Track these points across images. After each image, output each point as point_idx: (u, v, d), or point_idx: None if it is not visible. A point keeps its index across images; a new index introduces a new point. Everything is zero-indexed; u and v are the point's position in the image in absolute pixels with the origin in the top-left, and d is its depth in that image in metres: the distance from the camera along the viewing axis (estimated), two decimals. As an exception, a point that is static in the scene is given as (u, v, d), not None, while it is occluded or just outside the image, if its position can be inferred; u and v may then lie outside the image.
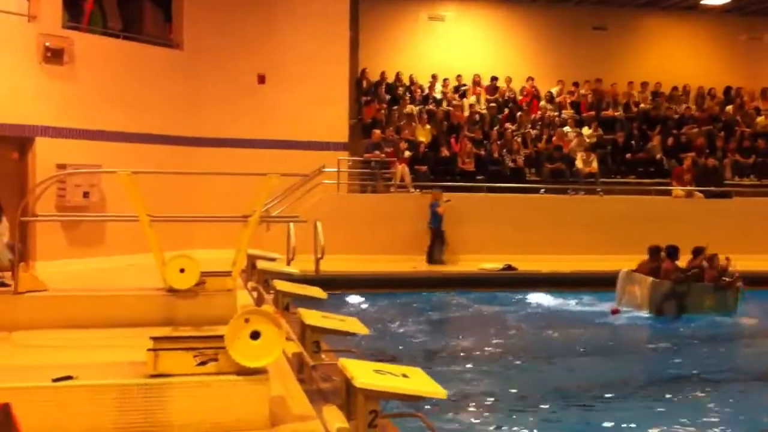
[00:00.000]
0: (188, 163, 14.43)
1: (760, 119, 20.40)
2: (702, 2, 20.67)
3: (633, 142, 18.76)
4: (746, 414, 7.16)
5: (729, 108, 20.76)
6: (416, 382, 4.70)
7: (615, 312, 11.32)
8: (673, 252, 11.88)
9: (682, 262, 12.08)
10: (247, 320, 4.96)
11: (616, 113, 19.80)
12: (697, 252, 11.95)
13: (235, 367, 4.88)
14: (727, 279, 11.70)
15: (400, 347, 9.06)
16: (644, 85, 20.82)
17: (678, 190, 17.04)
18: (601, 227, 15.56)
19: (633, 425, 6.82)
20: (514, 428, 6.70)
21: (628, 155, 18.35)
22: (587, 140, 18.14)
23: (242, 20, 15.89)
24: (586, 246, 15.18)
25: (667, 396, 7.85)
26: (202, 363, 5.00)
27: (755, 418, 7.08)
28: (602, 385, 8.06)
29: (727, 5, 20.68)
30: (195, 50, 15.54)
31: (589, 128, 18.72)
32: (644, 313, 11.54)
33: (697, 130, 19.30)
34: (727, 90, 21.38)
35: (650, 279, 11.69)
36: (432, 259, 14.62)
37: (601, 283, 13.04)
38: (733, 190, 17.38)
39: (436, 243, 14.71)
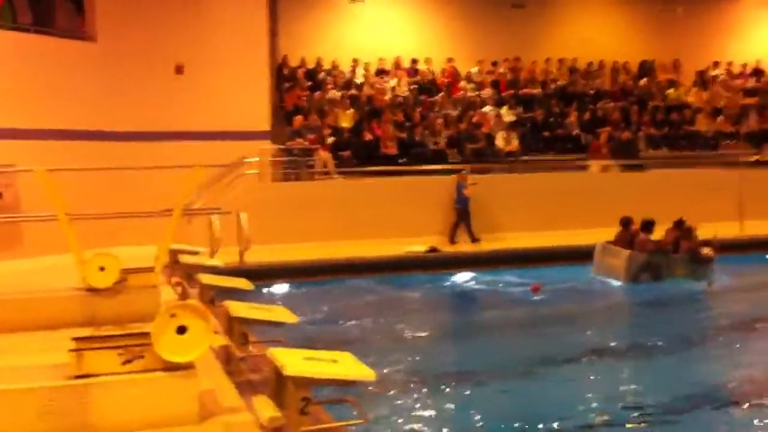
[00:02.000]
0: (108, 158, 14.12)
1: (671, 92, 21.04)
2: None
3: (551, 118, 19.13)
4: (672, 382, 7.40)
5: (643, 81, 21.34)
6: (345, 366, 4.76)
7: (535, 289, 11.57)
8: (647, 225, 12.67)
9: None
10: (172, 315, 4.91)
11: (534, 91, 20.15)
12: (678, 224, 12.71)
13: (162, 363, 4.83)
14: (706, 250, 12.37)
15: (330, 334, 9.10)
16: (561, 61, 21.23)
17: (595, 164, 17.49)
18: (523, 204, 15.83)
19: (563, 399, 6.97)
20: (445, 408, 6.81)
21: (547, 132, 18.71)
22: (507, 119, 18.41)
23: (157, 9, 15.61)
24: (509, 224, 15.43)
25: (603, 365, 8.09)
26: (128, 361, 4.94)
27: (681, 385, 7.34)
28: (529, 359, 8.23)
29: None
30: (109, 42, 15.21)
31: (509, 107, 18.99)
32: (621, 283, 12.21)
33: (612, 104, 19.79)
34: (642, 64, 21.97)
35: (627, 251, 12.41)
36: (453, 240, 14.85)
37: (525, 260, 13.39)
38: (648, 162, 17.90)
39: (462, 224, 14.96)
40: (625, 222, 12.90)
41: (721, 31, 23.60)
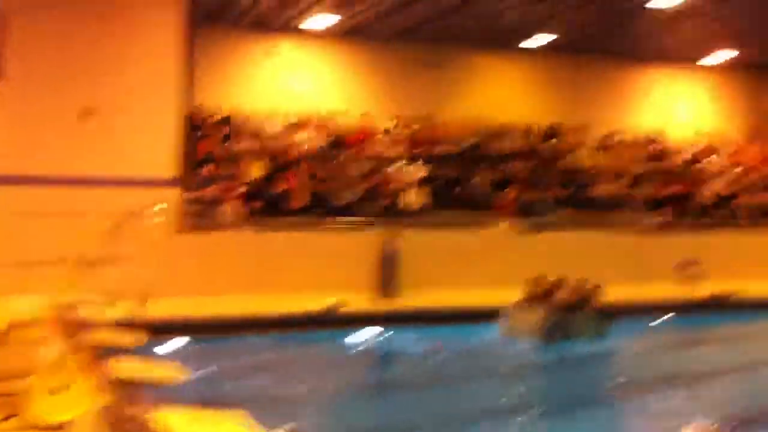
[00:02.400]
0: (10, 203, 13.66)
1: (576, 155, 21.72)
2: (521, 45, 21.84)
3: (462, 177, 19.46)
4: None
5: (550, 143, 21.97)
6: (233, 428, 4.67)
7: (436, 348, 11.54)
8: (558, 285, 13.06)
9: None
10: (52, 371, 4.77)
11: (446, 149, 20.49)
12: (580, 285, 13.10)
13: (39, 421, 4.66)
14: (604, 309, 12.95)
15: (226, 393, 8.90)
16: (473, 121, 21.68)
17: (503, 223, 17.84)
18: (434, 261, 15.99)
19: None
20: None
21: (457, 190, 19.02)
22: (418, 176, 18.64)
23: (68, 50, 15.29)
24: (419, 281, 15.51)
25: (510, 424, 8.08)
26: (4, 419, 4.76)
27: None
28: (427, 419, 8.18)
29: (550, 44, 21.89)
30: (17, 80, 14.81)
31: (421, 164, 19.23)
32: (534, 341, 12.36)
33: (521, 165, 20.27)
34: (550, 126, 22.64)
35: (541, 311, 12.65)
36: (387, 293, 15.06)
37: (430, 319, 13.48)
38: (552, 223, 18.35)
39: (390, 278, 15.17)
40: (536, 282, 13.16)
41: (626, 97, 24.64)
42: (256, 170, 17.59)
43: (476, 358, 11.54)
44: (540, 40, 21.55)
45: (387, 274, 15.24)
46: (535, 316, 12.64)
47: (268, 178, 17.41)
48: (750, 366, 11.58)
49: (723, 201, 21.09)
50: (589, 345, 12.27)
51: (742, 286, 16.19)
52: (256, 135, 18.87)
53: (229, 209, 15.89)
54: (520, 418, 8.47)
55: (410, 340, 12.43)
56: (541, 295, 13.05)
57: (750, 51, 23.70)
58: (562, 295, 12.96)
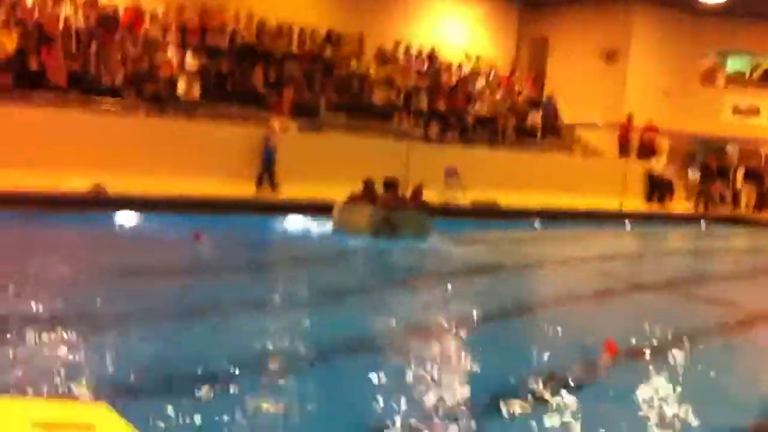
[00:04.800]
0: None
1: (354, 63, 21.75)
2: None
3: (236, 72, 18.76)
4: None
5: (328, 50, 21.78)
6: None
7: (198, 236, 11.12)
8: (390, 185, 13.37)
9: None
10: None
11: (220, 43, 19.65)
12: (392, 185, 13.40)
13: None
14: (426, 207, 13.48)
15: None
16: (250, 17, 20.94)
17: (277, 121, 17.51)
18: (201, 152, 15.42)
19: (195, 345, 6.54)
20: (88, 352, 6.07)
21: (231, 85, 18.34)
22: (190, 65, 17.72)
23: None
24: (181, 169, 14.93)
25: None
26: None
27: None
28: (183, 307, 7.74)
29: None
30: None
31: (194, 54, 18.28)
32: (365, 236, 12.56)
33: (298, 67, 19.90)
34: (328, 32, 22.43)
35: (369, 207, 12.93)
36: (262, 185, 15.91)
37: (192, 207, 13.16)
38: (327, 125, 18.31)
39: (267, 172, 15.88)
40: (370, 184, 13.34)
41: (403, 13, 24.98)
42: (9, 43, 15.79)
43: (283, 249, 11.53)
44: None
45: (266, 167, 15.72)
46: (365, 213, 12.82)
47: (21, 53, 15.69)
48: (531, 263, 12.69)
49: (487, 121, 22.10)
50: (414, 241, 12.68)
51: (499, 197, 17.17)
52: (11, 5, 16.91)
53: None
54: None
55: (176, 226, 11.85)
56: (370, 195, 13.16)
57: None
58: (390, 194, 13.16)
